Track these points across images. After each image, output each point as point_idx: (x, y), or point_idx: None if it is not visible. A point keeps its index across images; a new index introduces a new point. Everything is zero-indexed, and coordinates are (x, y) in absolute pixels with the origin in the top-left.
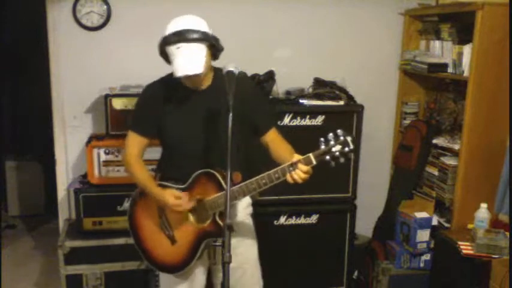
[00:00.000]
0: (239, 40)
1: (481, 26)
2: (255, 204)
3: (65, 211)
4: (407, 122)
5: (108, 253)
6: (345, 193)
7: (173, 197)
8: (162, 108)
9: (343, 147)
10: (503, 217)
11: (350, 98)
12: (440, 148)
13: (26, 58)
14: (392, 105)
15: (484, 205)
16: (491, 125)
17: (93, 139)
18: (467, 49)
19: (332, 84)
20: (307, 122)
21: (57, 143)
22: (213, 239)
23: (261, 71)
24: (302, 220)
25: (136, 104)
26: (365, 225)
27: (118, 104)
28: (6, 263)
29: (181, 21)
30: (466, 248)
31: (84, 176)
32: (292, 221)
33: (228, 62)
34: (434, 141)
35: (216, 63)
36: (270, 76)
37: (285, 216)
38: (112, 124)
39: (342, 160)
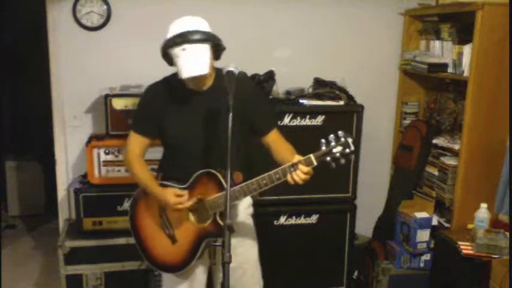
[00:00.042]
0: (239, 40)
1: (481, 26)
2: (255, 204)
3: (65, 211)
4: (407, 122)
5: (108, 253)
6: (345, 193)
7: (174, 195)
8: (164, 109)
9: (344, 149)
10: (503, 217)
11: (350, 98)
12: (440, 148)
13: (26, 58)
14: (392, 105)
15: (484, 205)
16: (491, 125)
17: (93, 139)
18: (467, 49)
19: (332, 84)
20: (307, 122)
21: (57, 143)
22: (213, 238)
23: (261, 71)
24: (302, 220)
25: (138, 104)
26: (365, 225)
27: (118, 104)
28: (6, 263)
29: (183, 23)
30: (466, 248)
31: (84, 176)
32: (292, 221)
33: (228, 62)
34: (434, 141)
35: (216, 64)
36: (270, 76)
37: (285, 216)
38: (112, 124)
39: (342, 161)
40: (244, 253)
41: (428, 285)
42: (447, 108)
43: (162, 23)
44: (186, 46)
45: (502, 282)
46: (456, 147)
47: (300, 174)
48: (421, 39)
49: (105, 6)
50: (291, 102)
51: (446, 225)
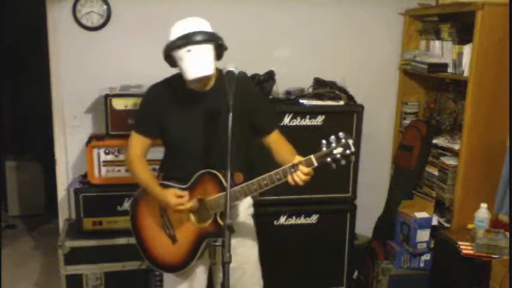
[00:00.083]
0: (239, 40)
1: (481, 26)
2: (255, 204)
3: (65, 211)
4: (407, 122)
5: (108, 253)
6: (345, 193)
7: (175, 196)
8: (165, 109)
9: (344, 150)
10: (503, 217)
11: (350, 98)
12: (440, 148)
13: (26, 58)
14: (392, 105)
15: (484, 205)
16: (491, 125)
17: (93, 139)
18: (467, 49)
19: (332, 84)
20: (307, 122)
21: (57, 143)
22: (213, 238)
23: (261, 71)
24: (302, 220)
25: (139, 104)
26: (365, 225)
27: (118, 104)
28: (6, 263)
29: (186, 24)
30: (466, 248)
31: (84, 176)
32: (292, 221)
33: (228, 62)
34: (434, 141)
35: (217, 64)
36: (270, 76)
37: (285, 216)
38: (112, 124)
39: (343, 162)
40: (245, 253)
41: (428, 285)
42: (447, 108)
43: (162, 23)
44: (191, 47)
45: (502, 282)
46: (456, 147)
47: (300, 175)
48: (421, 39)
49: (105, 6)
50: (291, 102)
51: (446, 225)
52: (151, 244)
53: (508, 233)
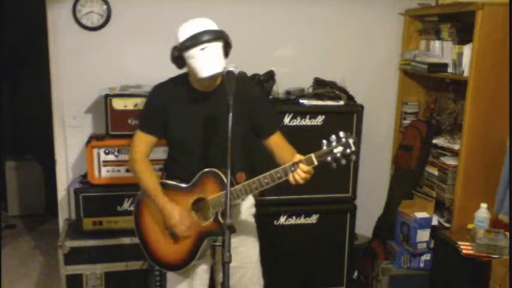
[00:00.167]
0: (239, 40)
1: (481, 26)
2: (255, 204)
3: (65, 211)
4: (407, 122)
5: (108, 253)
6: (345, 193)
7: (180, 215)
8: (170, 108)
9: (344, 149)
10: (503, 217)
11: (350, 98)
12: (440, 148)
13: (26, 58)
14: (392, 105)
15: (484, 205)
16: (491, 125)
17: (93, 139)
18: (467, 49)
19: (332, 84)
20: (307, 122)
21: (57, 143)
22: (214, 237)
23: (261, 71)
24: (302, 220)
25: (144, 104)
26: (365, 225)
27: (118, 104)
28: (6, 263)
29: (195, 24)
30: (466, 248)
31: (84, 176)
32: (292, 221)
33: (228, 62)
34: (434, 141)
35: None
36: (270, 76)
37: (285, 216)
38: (112, 124)
39: (343, 162)
40: (246, 252)
41: (428, 285)
42: (447, 108)
43: (162, 23)
44: (205, 45)
45: (502, 282)
46: (456, 147)
47: (300, 173)
48: (421, 39)
49: (105, 6)
50: (291, 102)
51: (446, 225)
52: (154, 242)
53: (508, 233)
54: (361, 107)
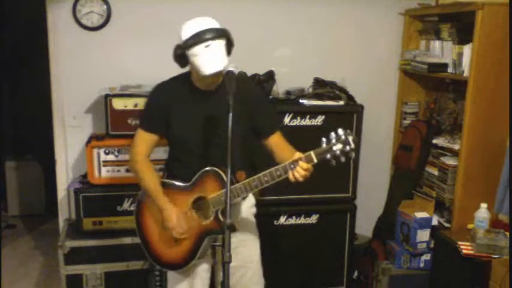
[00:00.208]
0: (239, 40)
1: (481, 26)
2: (255, 204)
3: (65, 211)
4: (407, 122)
5: (108, 253)
6: (345, 193)
7: (177, 219)
8: (171, 107)
9: (344, 146)
10: (503, 217)
11: (350, 98)
12: (440, 148)
13: (26, 58)
14: (392, 105)
15: (484, 205)
16: (491, 125)
17: (93, 139)
18: (467, 49)
19: (332, 84)
20: (307, 122)
21: (57, 143)
22: (214, 236)
23: (261, 71)
24: (302, 220)
25: (146, 102)
26: (365, 225)
27: (118, 104)
28: (6, 263)
29: (198, 23)
30: (466, 248)
31: (84, 176)
32: (292, 221)
33: (228, 62)
34: (434, 141)
35: None
36: (270, 76)
37: (285, 216)
38: (112, 124)
39: (342, 159)
40: (246, 252)
41: (428, 285)
42: (447, 108)
43: (162, 23)
44: (209, 43)
45: (502, 282)
46: (456, 147)
47: (300, 171)
48: (421, 39)
49: (105, 6)
50: (291, 102)
51: (446, 225)
52: (155, 242)
53: (508, 233)
54: (361, 107)
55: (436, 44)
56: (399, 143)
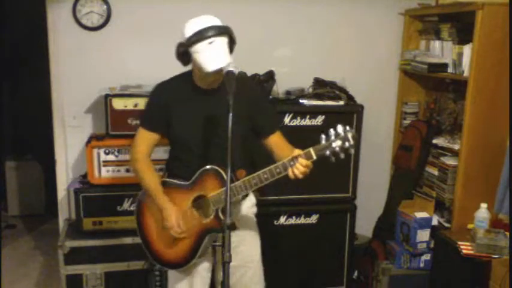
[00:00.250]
0: (239, 40)
1: (481, 26)
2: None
3: (65, 211)
4: (407, 122)
5: (108, 253)
6: (345, 193)
7: (176, 218)
8: (172, 106)
9: (343, 143)
10: (503, 217)
11: (350, 98)
12: (440, 148)
13: (26, 58)
14: (392, 105)
15: (484, 205)
16: (491, 125)
17: (93, 139)
18: (467, 49)
19: (332, 84)
20: (307, 122)
21: (57, 143)
22: (214, 234)
23: (261, 71)
24: (302, 220)
25: (147, 102)
26: (365, 225)
27: (118, 104)
28: (6, 263)
29: (202, 20)
30: (466, 248)
31: (84, 176)
32: (292, 221)
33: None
34: (434, 141)
35: None
36: (270, 76)
37: (285, 216)
38: (112, 124)
39: (342, 156)
40: (247, 252)
41: (428, 285)
42: (447, 108)
43: (162, 23)
44: (213, 39)
45: (502, 282)
46: (456, 147)
47: (299, 168)
48: (421, 39)
49: (105, 6)
50: (291, 102)
51: (446, 225)
52: (155, 241)
53: (508, 233)
54: (361, 107)
55: (436, 44)
56: (399, 143)
